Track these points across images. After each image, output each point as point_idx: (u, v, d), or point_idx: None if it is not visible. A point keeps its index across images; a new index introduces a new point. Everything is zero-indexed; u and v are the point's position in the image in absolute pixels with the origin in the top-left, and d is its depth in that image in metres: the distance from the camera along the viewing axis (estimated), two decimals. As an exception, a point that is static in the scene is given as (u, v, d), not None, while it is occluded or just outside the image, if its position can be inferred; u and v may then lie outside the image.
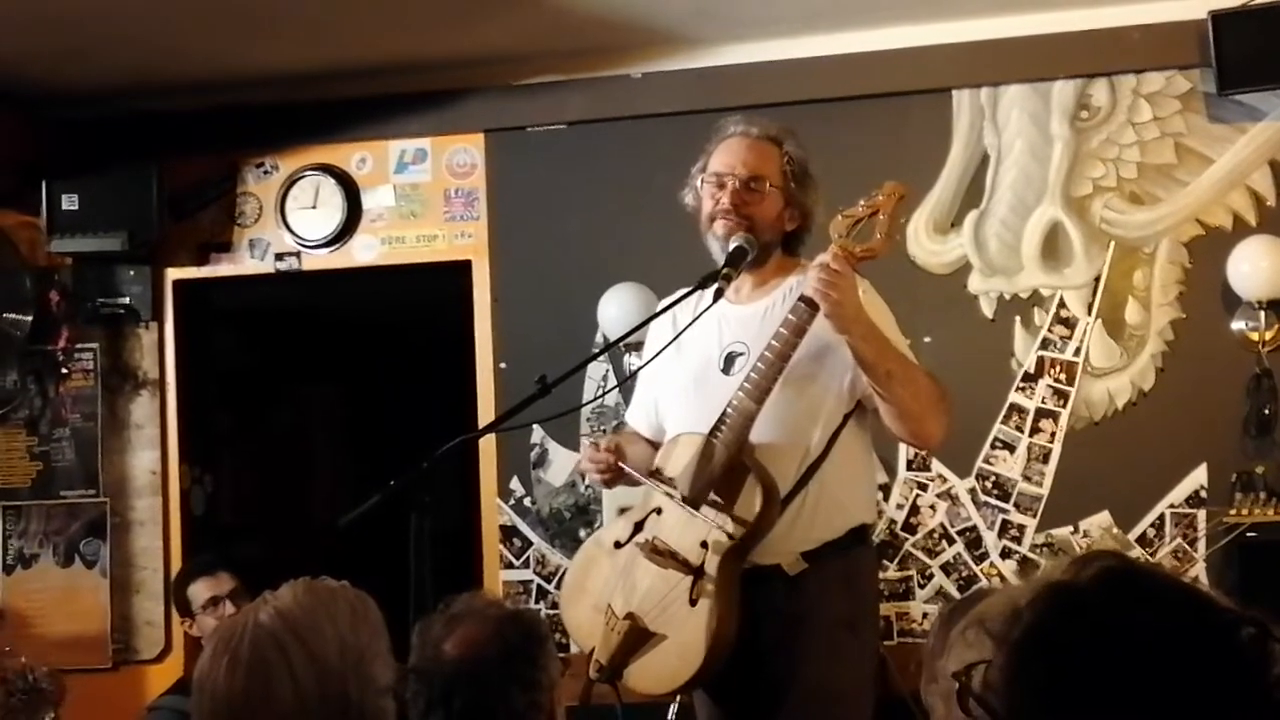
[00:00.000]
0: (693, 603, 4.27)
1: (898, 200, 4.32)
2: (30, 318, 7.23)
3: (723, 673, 4.32)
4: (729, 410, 4.26)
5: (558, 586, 6.78)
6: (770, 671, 4.35)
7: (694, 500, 4.30)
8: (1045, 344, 6.53)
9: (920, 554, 6.57)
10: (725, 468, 4.26)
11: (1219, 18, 6.24)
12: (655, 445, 4.63)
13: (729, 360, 4.45)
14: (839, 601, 4.39)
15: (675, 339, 4.50)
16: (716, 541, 4.26)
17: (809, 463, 4.35)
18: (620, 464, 4.48)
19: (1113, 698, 1.63)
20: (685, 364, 4.56)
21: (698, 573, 4.28)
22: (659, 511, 4.42)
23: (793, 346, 4.20)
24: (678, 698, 4.66)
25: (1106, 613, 1.68)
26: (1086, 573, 1.75)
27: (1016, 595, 2.12)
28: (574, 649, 6.11)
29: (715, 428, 4.28)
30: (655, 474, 4.45)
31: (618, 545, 4.50)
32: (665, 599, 4.33)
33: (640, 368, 4.89)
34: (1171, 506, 6.39)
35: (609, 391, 6.68)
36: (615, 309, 6.57)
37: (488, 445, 6.89)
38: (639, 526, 4.47)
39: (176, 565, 7.02)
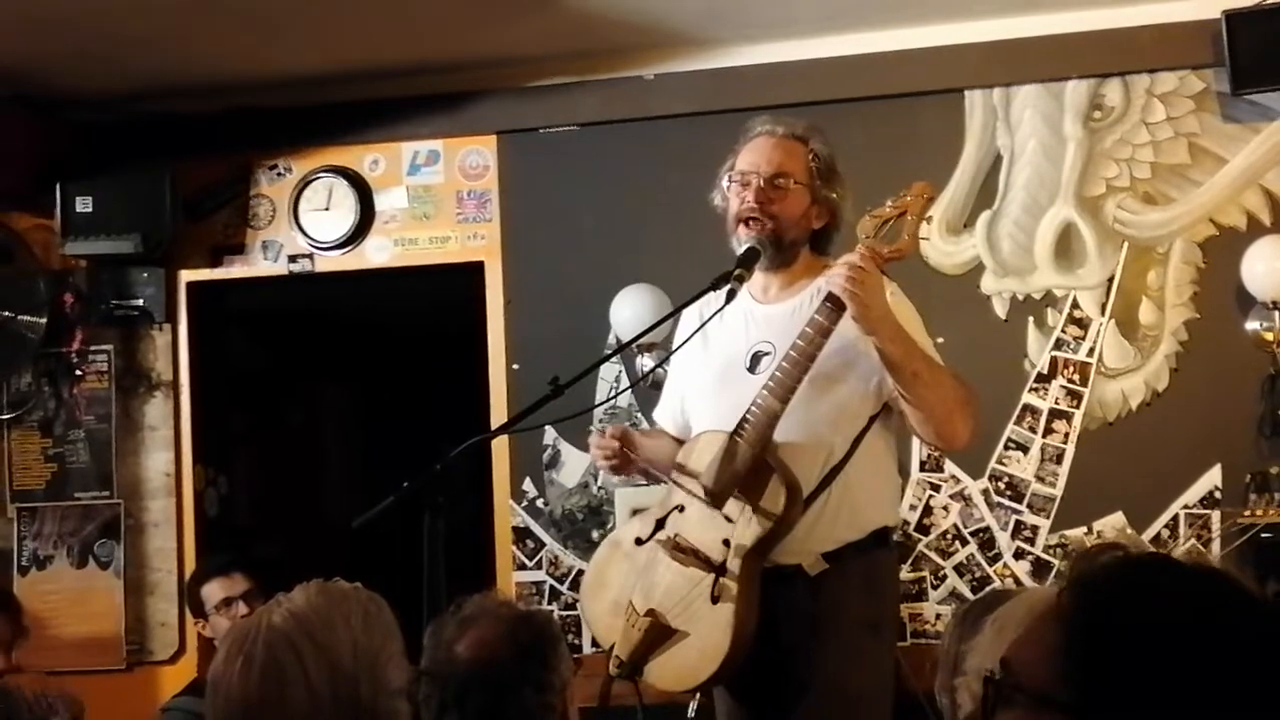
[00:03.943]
0: (714, 600, 4.28)
1: (926, 201, 4.33)
2: (44, 320, 7.24)
3: (743, 671, 4.33)
4: (753, 409, 4.27)
5: (571, 588, 6.78)
6: (791, 671, 4.35)
7: (717, 498, 4.32)
8: (1058, 344, 6.53)
9: (933, 555, 6.57)
10: (748, 466, 4.27)
11: (1233, 17, 6.23)
12: (680, 442, 4.64)
13: (755, 359, 4.45)
14: (861, 603, 4.39)
15: (690, 337, 4.52)
16: (738, 540, 4.27)
17: (833, 463, 4.36)
18: (627, 451, 4.49)
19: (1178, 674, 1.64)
20: (711, 363, 4.58)
21: (719, 570, 4.29)
22: (681, 509, 4.44)
23: (818, 346, 4.21)
24: (697, 696, 4.65)
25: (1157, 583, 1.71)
26: (1107, 558, 1.78)
27: (1034, 599, 2.13)
28: (587, 650, 6.13)
29: (739, 426, 4.29)
30: (678, 471, 4.46)
31: (639, 542, 4.51)
32: (686, 596, 4.33)
33: (659, 364, 4.91)
34: (1186, 507, 6.38)
35: (621, 393, 6.68)
36: (628, 310, 6.56)
37: (500, 446, 6.89)
38: (661, 524, 4.48)
39: (191, 566, 7.03)
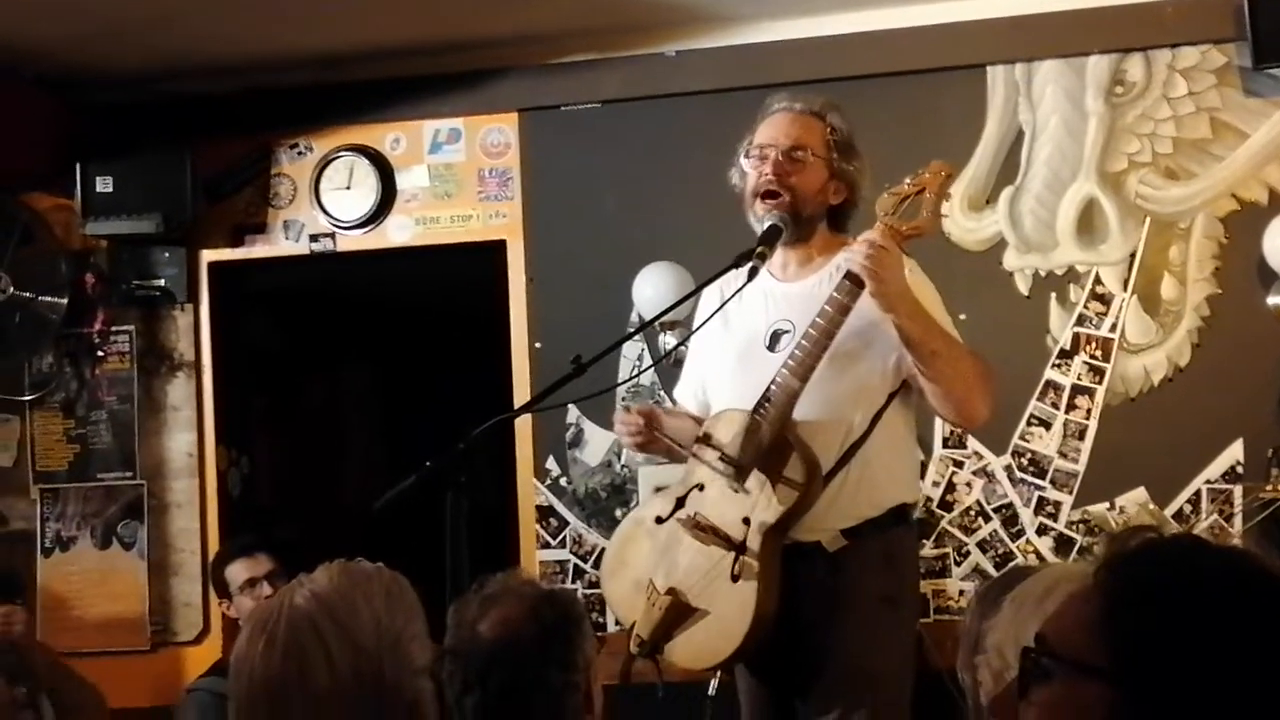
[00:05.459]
0: (734, 579, 4.30)
1: (945, 179, 4.34)
2: (65, 300, 7.24)
3: (763, 649, 4.34)
4: (773, 387, 4.28)
5: (594, 566, 6.78)
6: (810, 648, 4.37)
7: (738, 476, 4.32)
8: (1081, 320, 6.51)
9: (956, 531, 6.56)
10: (769, 444, 4.28)
11: (1255, -9, 6.21)
12: (700, 422, 4.64)
13: (774, 338, 4.47)
14: (880, 579, 4.41)
15: (711, 316, 4.53)
16: (758, 518, 4.28)
17: (851, 441, 4.38)
18: (653, 429, 4.50)
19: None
20: (731, 341, 4.59)
21: (739, 549, 4.30)
22: (701, 487, 4.45)
23: (837, 324, 4.22)
24: (718, 674, 4.66)
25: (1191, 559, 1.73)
26: (1141, 538, 1.79)
27: (1052, 576, 2.13)
28: (611, 628, 6.13)
29: (759, 405, 4.31)
30: (699, 448, 4.47)
31: (659, 521, 4.53)
32: (707, 574, 4.35)
33: (681, 342, 4.92)
34: (1208, 482, 6.36)
35: (644, 371, 6.67)
36: (650, 288, 6.56)
37: (523, 425, 6.89)
38: (681, 502, 4.49)
39: (214, 547, 7.04)
